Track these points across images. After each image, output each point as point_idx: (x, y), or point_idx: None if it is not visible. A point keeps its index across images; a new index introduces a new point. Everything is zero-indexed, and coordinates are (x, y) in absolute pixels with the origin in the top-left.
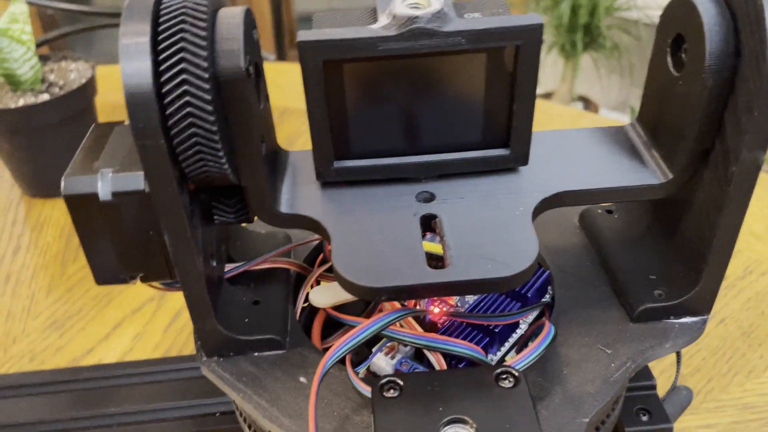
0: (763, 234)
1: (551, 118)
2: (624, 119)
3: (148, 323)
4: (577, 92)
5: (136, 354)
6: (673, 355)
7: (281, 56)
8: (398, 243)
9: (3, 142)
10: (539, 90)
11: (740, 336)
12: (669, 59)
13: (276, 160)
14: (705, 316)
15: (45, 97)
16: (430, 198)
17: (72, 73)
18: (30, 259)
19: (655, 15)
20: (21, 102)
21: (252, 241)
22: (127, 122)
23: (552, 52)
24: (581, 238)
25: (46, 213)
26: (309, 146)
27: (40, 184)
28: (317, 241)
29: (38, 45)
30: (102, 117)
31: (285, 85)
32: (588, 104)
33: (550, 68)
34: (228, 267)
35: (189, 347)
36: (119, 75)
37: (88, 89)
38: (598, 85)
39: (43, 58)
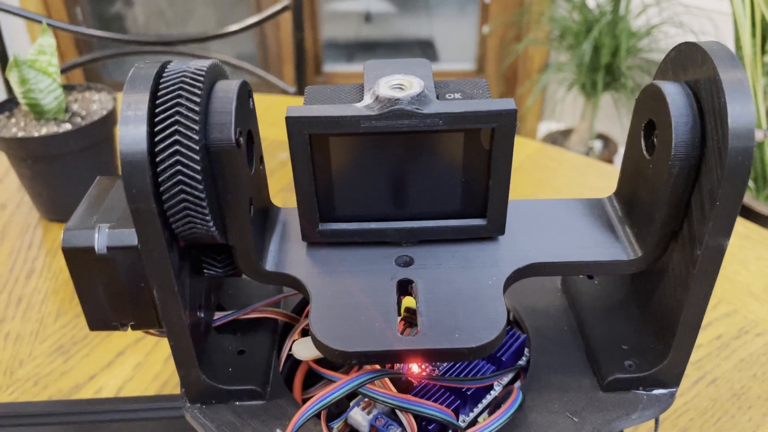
0: (761, 294)
1: (560, 164)
2: None
3: (150, 353)
4: (597, 130)
5: (135, 382)
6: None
7: (301, 90)
8: (374, 307)
9: (24, 168)
10: (560, 126)
11: (730, 398)
12: (642, 142)
13: (266, 218)
14: (674, 389)
15: (67, 126)
16: (409, 262)
17: (95, 104)
18: (42, 283)
19: None
20: (44, 131)
21: (243, 290)
22: None
23: (573, 90)
24: (562, 302)
25: (61, 237)
26: None
27: (58, 208)
28: None
29: (71, 68)
30: None
31: None
32: (607, 142)
33: (570, 106)
34: (217, 315)
35: None
36: None
37: (108, 120)
38: (618, 123)
39: (68, 88)
